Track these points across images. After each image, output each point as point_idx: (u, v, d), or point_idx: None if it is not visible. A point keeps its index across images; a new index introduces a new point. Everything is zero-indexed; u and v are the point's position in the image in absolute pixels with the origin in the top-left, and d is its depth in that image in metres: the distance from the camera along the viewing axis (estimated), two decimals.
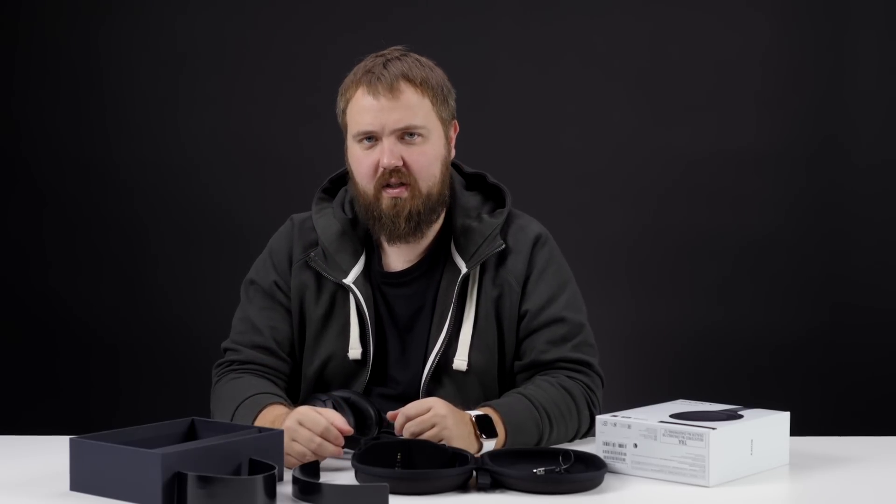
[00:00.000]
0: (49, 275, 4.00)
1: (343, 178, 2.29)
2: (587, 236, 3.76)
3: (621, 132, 3.87)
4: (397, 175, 2.10)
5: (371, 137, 2.11)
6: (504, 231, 2.21)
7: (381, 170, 2.10)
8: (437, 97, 2.14)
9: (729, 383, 3.77)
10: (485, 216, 2.21)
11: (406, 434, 1.92)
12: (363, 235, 2.21)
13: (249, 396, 2.09)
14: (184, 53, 3.95)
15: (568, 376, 2.15)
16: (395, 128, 2.09)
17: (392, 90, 2.09)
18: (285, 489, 1.75)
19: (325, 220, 2.22)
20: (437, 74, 2.16)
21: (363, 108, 2.11)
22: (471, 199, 2.23)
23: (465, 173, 2.28)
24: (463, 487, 1.78)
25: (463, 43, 3.85)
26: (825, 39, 3.83)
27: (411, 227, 2.12)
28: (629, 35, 3.87)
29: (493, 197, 2.26)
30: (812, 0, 3.84)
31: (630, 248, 3.86)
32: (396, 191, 2.11)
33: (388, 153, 2.09)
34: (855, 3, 3.82)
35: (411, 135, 2.11)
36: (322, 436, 1.89)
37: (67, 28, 3.98)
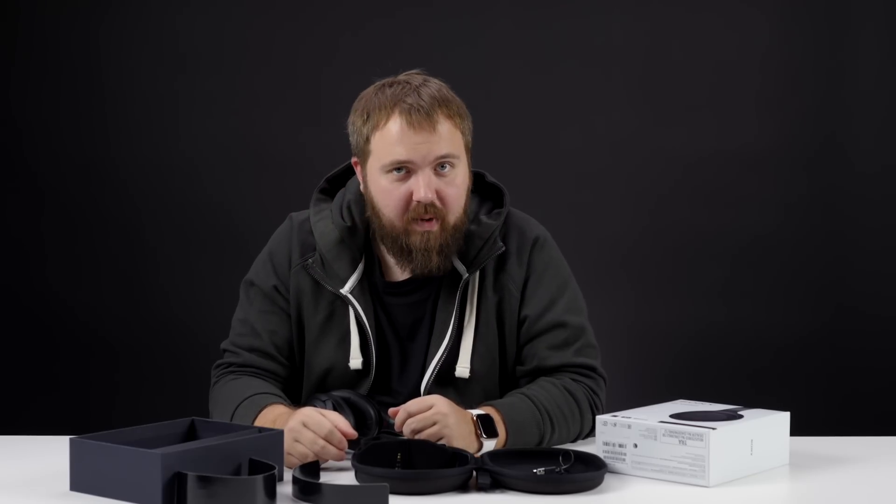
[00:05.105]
0: (49, 275, 3.99)
1: (340, 177, 2.28)
2: (587, 236, 3.76)
3: (621, 132, 3.87)
4: (431, 209, 2.06)
5: (402, 168, 2.07)
6: (503, 233, 2.19)
7: (414, 203, 2.06)
8: (465, 126, 2.11)
9: (729, 383, 3.76)
10: (483, 218, 2.18)
11: (407, 430, 1.92)
12: (362, 243, 2.18)
13: (248, 397, 2.09)
14: (184, 53, 3.95)
15: (572, 379, 2.15)
16: (433, 159, 2.05)
17: (431, 120, 2.04)
18: (285, 489, 1.75)
19: (324, 226, 2.19)
20: (460, 100, 2.13)
21: (398, 139, 2.05)
22: (469, 203, 2.22)
23: None
24: (463, 487, 1.78)
25: (463, 43, 3.85)
26: (825, 39, 3.83)
27: (441, 259, 2.09)
28: (629, 35, 3.87)
29: (492, 196, 2.25)
30: (812, 0, 3.84)
31: (630, 248, 3.86)
32: (427, 224, 2.07)
33: (424, 186, 2.04)
34: (855, 3, 3.82)
35: (443, 166, 2.07)
36: (326, 439, 1.89)
37: (67, 27, 3.98)
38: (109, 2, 3.98)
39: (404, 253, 2.10)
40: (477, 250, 2.15)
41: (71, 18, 3.98)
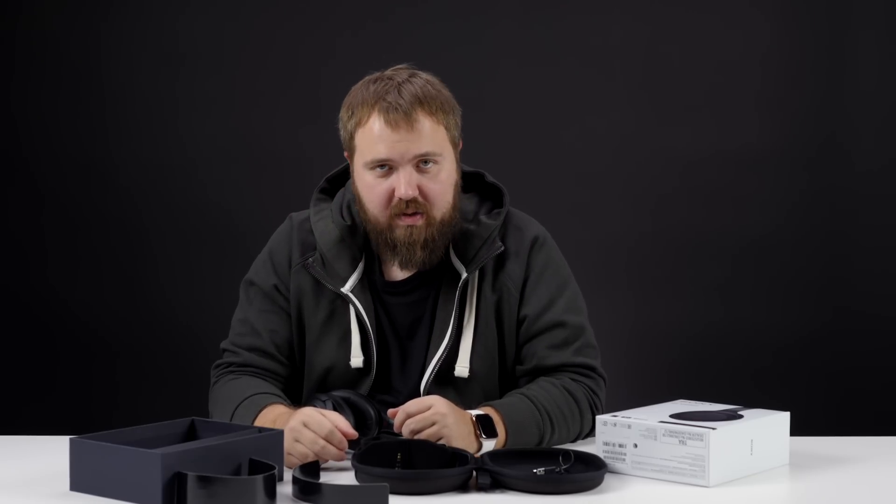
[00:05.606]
0: (49, 275, 3.99)
1: (340, 176, 2.28)
2: (587, 236, 3.76)
3: (621, 132, 3.87)
4: (413, 205, 2.07)
5: (384, 165, 2.08)
6: (502, 233, 2.19)
7: (396, 199, 2.07)
8: (449, 122, 2.11)
9: (729, 383, 3.77)
10: (482, 218, 2.19)
11: (406, 431, 1.92)
12: (362, 243, 2.19)
13: (248, 397, 2.09)
14: (184, 53, 3.95)
15: (572, 379, 2.15)
16: (412, 157, 2.06)
17: (409, 119, 2.05)
18: (285, 489, 1.75)
19: (324, 225, 2.20)
20: (446, 95, 2.12)
21: (378, 137, 2.06)
22: (467, 203, 2.21)
23: (463, 172, 2.26)
24: (463, 487, 1.78)
25: (464, 43, 3.85)
26: (825, 39, 3.83)
27: (426, 253, 2.10)
28: (629, 35, 3.87)
29: (491, 196, 2.25)
30: (812, 0, 3.84)
31: (630, 248, 3.86)
32: (411, 219, 2.08)
33: (405, 184, 2.06)
34: (855, 3, 3.82)
35: (426, 162, 2.07)
36: (326, 439, 1.89)
37: (67, 28, 3.98)
38: (110, 2, 3.98)
39: (389, 247, 2.11)
40: (476, 250, 2.15)
41: (71, 19, 3.98)
